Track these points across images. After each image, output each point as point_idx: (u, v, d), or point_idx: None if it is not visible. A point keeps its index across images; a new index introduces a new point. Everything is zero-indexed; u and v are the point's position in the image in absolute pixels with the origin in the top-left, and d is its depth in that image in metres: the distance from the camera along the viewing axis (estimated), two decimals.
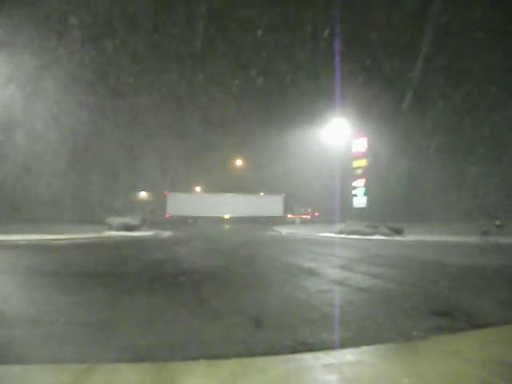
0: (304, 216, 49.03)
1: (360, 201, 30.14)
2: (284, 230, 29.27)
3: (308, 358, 3.76)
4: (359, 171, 29.82)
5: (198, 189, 59.87)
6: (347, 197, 31.96)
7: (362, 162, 29.65)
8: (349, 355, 3.81)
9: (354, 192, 30.44)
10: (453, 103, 38.28)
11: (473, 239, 18.66)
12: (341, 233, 23.33)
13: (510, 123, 34.68)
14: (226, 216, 46.75)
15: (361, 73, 38.17)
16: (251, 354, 3.93)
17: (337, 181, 34.42)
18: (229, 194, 47.71)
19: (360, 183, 29.92)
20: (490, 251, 15.13)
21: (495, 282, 8.27)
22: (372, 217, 29.18)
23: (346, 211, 33.36)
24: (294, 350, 3.99)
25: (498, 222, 20.21)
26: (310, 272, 9.33)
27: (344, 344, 4.14)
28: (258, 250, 16.15)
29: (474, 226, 20.65)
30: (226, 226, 39.65)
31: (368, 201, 29.79)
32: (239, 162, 55.87)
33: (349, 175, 31.07)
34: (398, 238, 21.21)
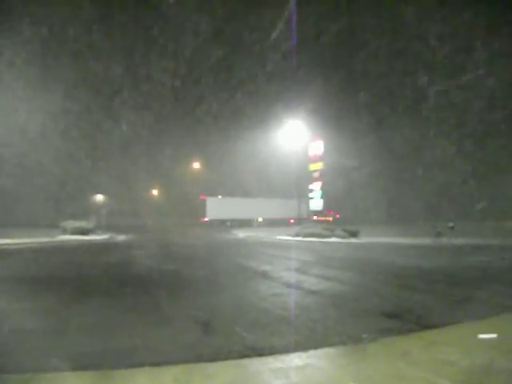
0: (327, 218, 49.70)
1: (316, 204, 30.40)
2: (241, 234, 29.14)
3: (256, 363, 3.68)
4: (316, 174, 29.99)
5: (154, 192, 59.03)
6: (305, 200, 32.24)
7: (319, 165, 29.82)
8: (297, 359, 3.75)
9: (310, 195, 30.65)
10: (408, 106, 39.32)
11: (426, 241, 19.17)
12: (297, 235, 23.45)
13: (466, 128, 35.76)
14: (260, 219, 47.62)
15: (318, 77, 38.75)
16: (198, 359, 3.81)
17: (294, 184, 34.78)
18: (262, 198, 48.21)
19: (316, 186, 30.12)
20: (442, 252, 15.57)
21: (445, 283, 8.48)
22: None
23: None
24: (242, 355, 3.89)
25: (450, 224, 20.87)
26: (264, 275, 9.28)
27: (293, 348, 4.08)
28: (212, 254, 16.00)
29: (428, 228, 21.26)
30: (188, 230, 38.99)
31: (324, 203, 30.08)
32: (196, 165, 55.45)
33: (305, 178, 31.21)
34: (353, 240, 21.51)
